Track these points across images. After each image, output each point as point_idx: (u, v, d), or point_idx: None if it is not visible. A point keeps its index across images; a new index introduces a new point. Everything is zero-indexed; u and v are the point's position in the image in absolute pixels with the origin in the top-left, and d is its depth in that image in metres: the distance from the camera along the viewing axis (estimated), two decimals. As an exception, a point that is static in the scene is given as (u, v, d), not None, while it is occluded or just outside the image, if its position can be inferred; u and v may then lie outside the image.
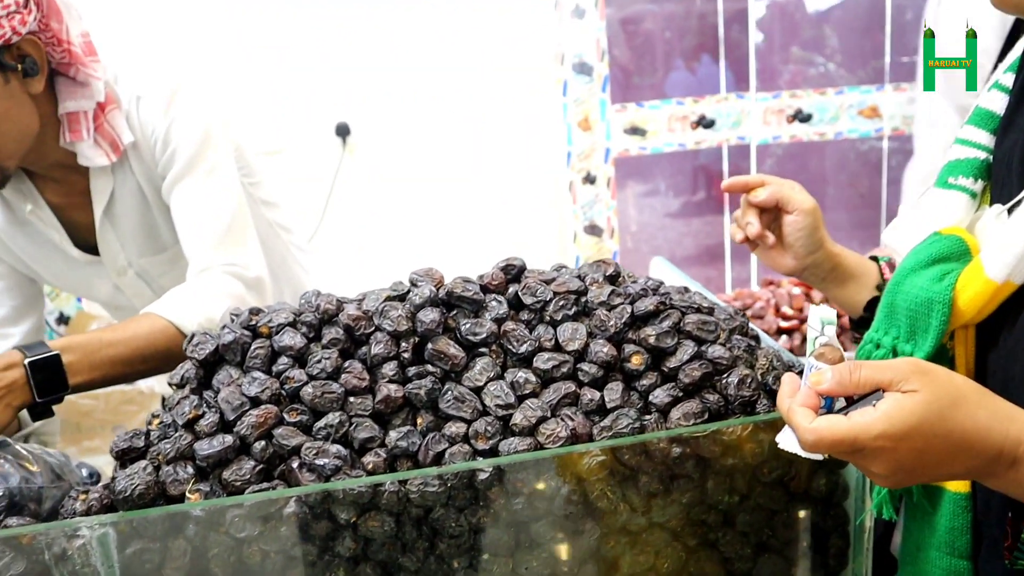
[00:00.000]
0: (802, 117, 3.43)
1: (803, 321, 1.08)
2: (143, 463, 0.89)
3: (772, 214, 1.12)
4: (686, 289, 1.13)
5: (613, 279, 1.05)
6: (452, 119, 3.19)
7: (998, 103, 0.92)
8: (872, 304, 1.12)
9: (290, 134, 3.13)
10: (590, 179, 3.36)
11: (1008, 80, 0.92)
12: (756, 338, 1.08)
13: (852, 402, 0.74)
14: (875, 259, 1.16)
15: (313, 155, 3.15)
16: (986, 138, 0.92)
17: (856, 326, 1.17)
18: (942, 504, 0.86)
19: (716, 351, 0.96)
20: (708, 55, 3.68)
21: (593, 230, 3.37)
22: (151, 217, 1.56)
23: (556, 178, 3.35)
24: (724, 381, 0.94)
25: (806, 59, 3.85)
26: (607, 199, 3.38)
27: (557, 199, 3.37)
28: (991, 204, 0.89)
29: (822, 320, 0.80)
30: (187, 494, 0.87)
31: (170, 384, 0.99)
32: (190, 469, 0.88)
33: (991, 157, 0.92)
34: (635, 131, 3.35)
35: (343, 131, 3.13)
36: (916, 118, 3.07)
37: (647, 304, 0.98)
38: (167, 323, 1.33)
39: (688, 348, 0.95)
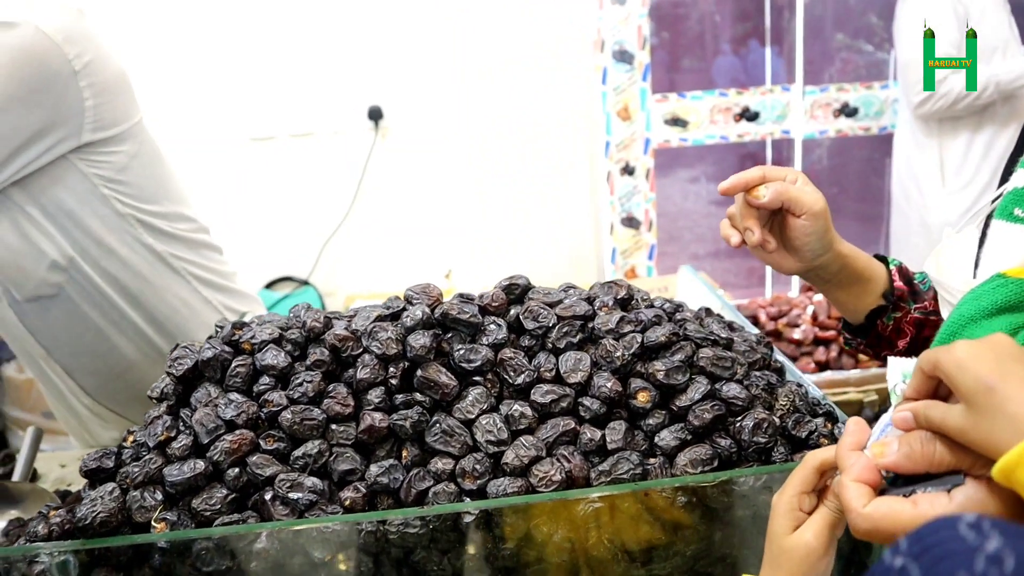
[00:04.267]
0: (848, 111, 3.29)
1: (839, 332, 1.01)
2: (110, 486, 0.84)
3: (775, 214, 0.97)
4: (708, 312, 1.05)
5: (624, 303, 0.97)
6: (487, 105, 3.11)
7: None
8: (876, 314, 1.02)
9: (322, 117, 3.08)
10: (628, 170, 3.26)
11: None
12: (780, 370, 0.99)
13: (920, 478, 0.59)
14: (883, 259, 1.04)
15: (345, 138, 3.10)
16: None
17: (853, 332, 1.07)
18: None
19: (731, 390, 0.88)
20: (755, 41, 3.55)
21: (630, 222, 3.27)
22: None
23: (593, 168, 3.26)
24: (738, 424, 0.86)
25: (854, 47, 3.70)
26: (646, 191, 3.28)
27: (594, 189, 3.28)
28: None
29: (904, 375, 0.71)
30: (152, 523, 0.81)
31: (149, 397, 0.94)
32: (159, 495, 0.83)
33: None
34: (676, 122, 3.23)
35: (376, 114, 3.07)
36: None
37: (658, 334, 0.90)
38: None
39: (700, 386, 0.87)
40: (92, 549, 0.79)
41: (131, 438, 0.90)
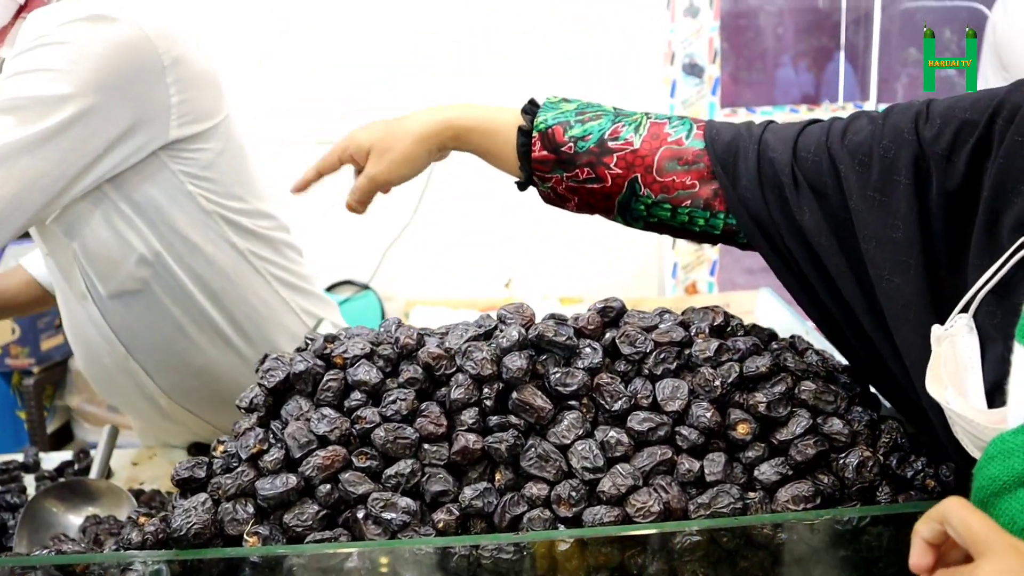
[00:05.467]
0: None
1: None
2: (202, 497, 0.84)
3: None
4: (795, 342, 1.02)
5: (720, 330, 0.95)
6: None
7: None
8: (522, 184, 1.08)
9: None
10: (692, 183, 3.22)
11: None
12: (876, 403, 0.96)
13: None
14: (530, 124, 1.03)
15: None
16: None
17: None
18: None
19: (834, 425, 0.85)
20: (827, 56, 3.49)
21: (692, 238, 3.24)
22: None
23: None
24: (841, 462, 0.83)
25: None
26: (709, 205, 3.24)
27: (657, 203, 3.24)
28: None
29: None
30: (245, 536, 0.81)
31: (239, 407, 0.94)
32: (250, 508, 0.83)
33: None
34: (744, 136, 3.19)
35: (442, 121, 3.07)
36: None
37: (758, 364, 0.87)
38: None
39: (802, 420, 0.85)
40: (185, 560, 0.79)
41: (220, 448, 0.90)
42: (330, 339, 0.94)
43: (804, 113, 3.17)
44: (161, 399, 1.57)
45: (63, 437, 3.09)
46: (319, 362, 0.91)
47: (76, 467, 1.59)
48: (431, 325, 1.01)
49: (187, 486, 0.87)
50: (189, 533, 0.80)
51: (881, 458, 0.84)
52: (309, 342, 0.95)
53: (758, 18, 3.69)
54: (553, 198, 1.05)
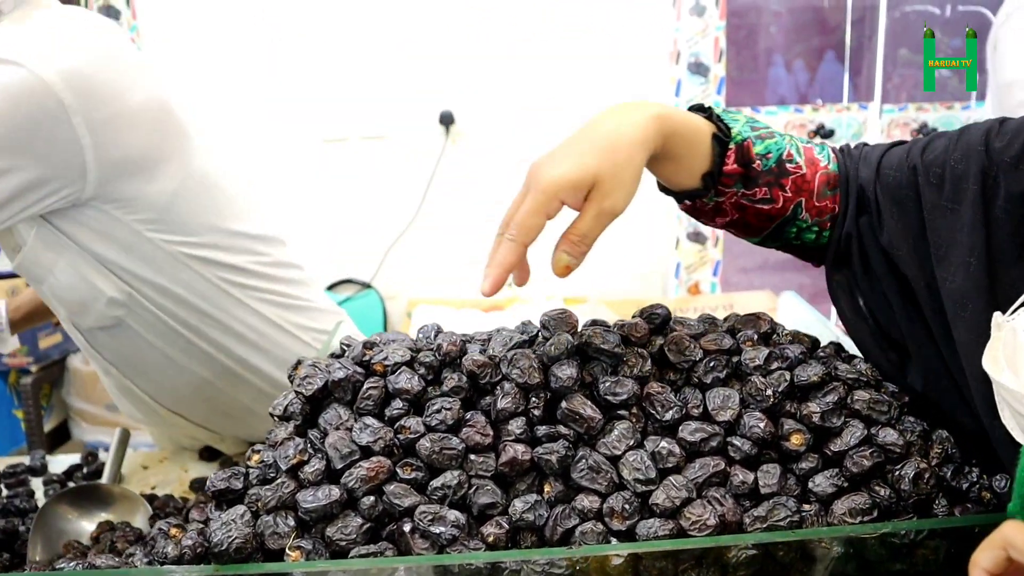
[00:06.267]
0: (926, 132, 3.22)
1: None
2: (240, 509, 0.81)
3: None
4: (839, 349, 1.00)
5: (767, 338, 0.93)
6: (557, 112, 3.08)
7: None
8: (692, 193, 0.94)
9: (394, 120, 3.07)
10: (695, 183, 3.21)
11: None
12: (925, 413, 0.94)
13: None
14: (726, 134, 0.92)
15: (416, 142, 3.09)
16: None
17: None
18: None
19: (888, 436, 0.83)
20: (831, 57, 3.48)
21: (697, 237, 3.22)
22: None
23: (659, 180, 3.21)
24: (897, 474, 0.81)
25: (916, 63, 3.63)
26: (711, 205, 3.23)
27: (659, 202, 3.23)
28: None
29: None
30: (287, 551, 0.78)
31: (272, 415, 0.91)
32: (291, 521, 0.80)
33: None
34: (748, 136, 3.18)
35: (447, 119, 3.05)
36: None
37: (809, 374, 0.85)
38: None
39: (856, 430, 0.83)
40: (226, 575, 0.76)
41: (256, 458, 0.87)
42: (368, 345, 0.91)
43: (808, 113, 3.17)
44: (161, 411, 1.54)
45: (60, 436, 3.06)
46: (359, 369, 0.88)
47: (85, 470, 1.56)
48: (439, 324, 0.98)
49: (223, 497, 0.85)
50: (230, 548, 0.77)
51: (935, 469, 0.83)
52: (345, 348, 0.93)
53: (760, 17, 3.68)
54: (706, 212, 0.98)
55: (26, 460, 1.59)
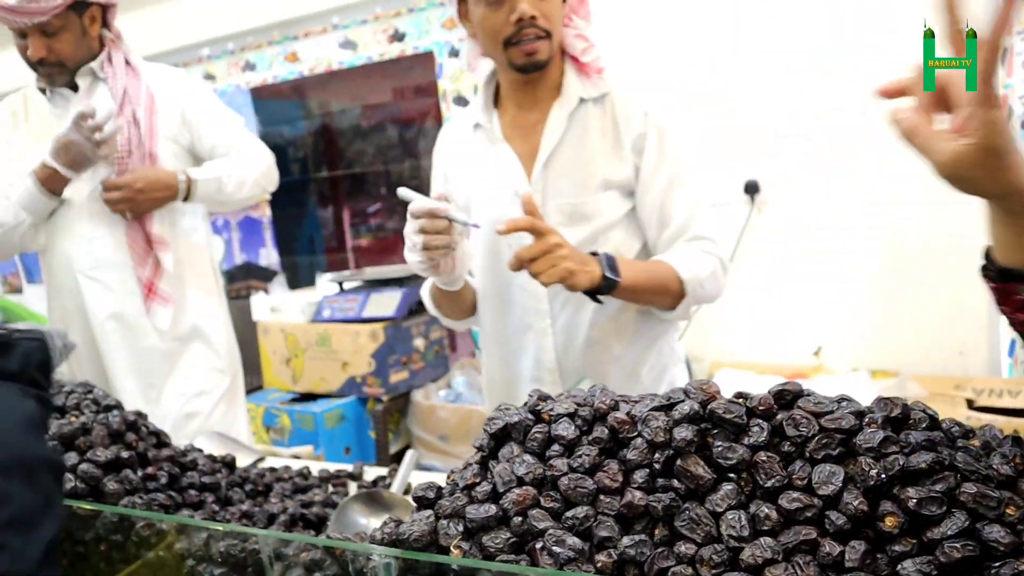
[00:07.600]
0: None
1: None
2: (427, 513, 1.06)
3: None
4: (1018, 443, 1.00)
5: (898, 422, 0.98)
6: (870, 182, 3.03)
7: None
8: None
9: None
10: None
11: None
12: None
13: None
14: None
15: (722, 210, 3.22)
16: None
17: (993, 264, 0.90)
18: None
19: (993, 532, 0.85)
20: None
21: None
22: None
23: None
24: (997, 572, 0.83)
25: None
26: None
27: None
28: None
29: None
30: (452, 548, 1.02)
31: (474, 447, 1.16)
32: (460, 527, 1.03)
33: None
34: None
35: (752, 188, 3.15)
36: None
37: (919, 460, 0.90)
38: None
39: (957, 521, 0.86)
40: (406, 558, 1.01)
41: (451, 477, 1.12)
42: (543, 397, 1.12)
43: None
44: None
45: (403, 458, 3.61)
46: (530, 416, 1.10)
47: (387, 481, 1.94)
48: (737, 387, 1.10)
49: (421, 503, 1.10)
50: (411, 538, 1.02)
51: (1043, 573, 0.83)
52: (529, 398, 1.15)
53: None
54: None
55: (349, 467, 2.00)
